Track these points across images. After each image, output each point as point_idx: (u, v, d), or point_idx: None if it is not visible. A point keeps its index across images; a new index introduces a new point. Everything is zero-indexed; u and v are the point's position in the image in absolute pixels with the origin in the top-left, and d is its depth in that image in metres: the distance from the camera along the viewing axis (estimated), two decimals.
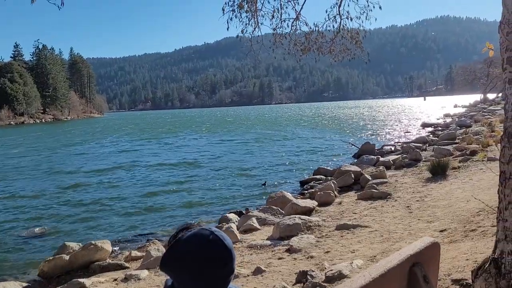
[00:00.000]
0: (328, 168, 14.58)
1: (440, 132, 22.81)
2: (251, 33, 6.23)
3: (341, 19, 6.17)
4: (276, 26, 6.27)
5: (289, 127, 44.46)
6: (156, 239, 8.40)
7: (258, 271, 5.09)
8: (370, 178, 10.56)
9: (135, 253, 7.26)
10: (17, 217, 10.76)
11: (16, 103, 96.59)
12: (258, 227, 7.84)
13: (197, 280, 1.22)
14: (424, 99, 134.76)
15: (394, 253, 2.05)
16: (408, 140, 21.32)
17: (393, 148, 18.49)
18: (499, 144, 2.87)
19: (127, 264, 6.71)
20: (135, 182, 15.20)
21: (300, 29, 6.38)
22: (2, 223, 10.14)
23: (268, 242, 6.58)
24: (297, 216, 7.27)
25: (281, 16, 6.14)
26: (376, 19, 6.09)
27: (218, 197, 12.22)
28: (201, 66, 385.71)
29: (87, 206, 11.66)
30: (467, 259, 3.99)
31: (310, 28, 6.43)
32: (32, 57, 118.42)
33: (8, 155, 26.87)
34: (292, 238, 6.31)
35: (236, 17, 5.94)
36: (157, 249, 6.71)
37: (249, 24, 6.08)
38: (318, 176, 13.68)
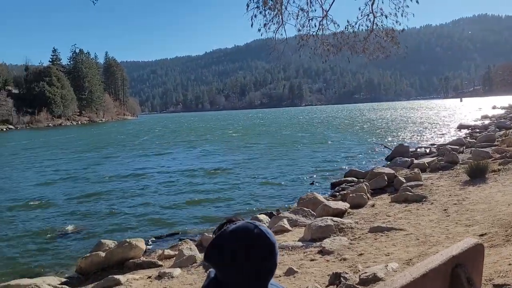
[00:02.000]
0: (360, 170, 14.36)
1: (478, 134, 22.04)
2: (275, 31, 6.19)
3: (374, 17, 6.04)
4: (303, 25, 6.19)
5: (320, 129, 44.12)
6: (188, 238, 8.50)
7: (290, 272, 5.05)
8: (404, 181, 10.33)
9: (167, 251, 7.36)
10: (56, 215, 11.13)
11: (54, 105, 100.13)
12: (289, 228, 7.80)
13: (241, 273, 1.22)
14: (461, 100, 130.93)
15: (435, 254, 1.98)
16: (444, 142, 20.72)
17: (428, 151, 18.00)
18: None
19: (160, 262, 6.82)
20: (168, 183, 15.31)
21: (328, 28, 6.28)
22: (42, 222, 10.51)
23: (300, 243, 6.53)
24: (329, 217, 7.18)
25: (308, 15, 6.06)
26: (413, 14, 5.92)
27: (248, 199, 12.25)
28: (231, 68, 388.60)
29: (121, 206, 11.92)
30: (509, 264, 3.83)
31: (338, 26, 6.32)
32: (69, 61, 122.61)
33: (45, 156, 27.88)
34: (325, 240, 6.24)
35: (260, 13, 5.91)
36: (189, 248, 6.78)
37: (273, 22, 6.04)
38: (349, 178, 13.50)
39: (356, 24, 6.19)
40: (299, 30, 6.34)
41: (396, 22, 5.94)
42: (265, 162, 19.70)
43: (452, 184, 9.51)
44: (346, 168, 15.84)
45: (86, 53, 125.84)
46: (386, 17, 5.95)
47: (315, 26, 6.26)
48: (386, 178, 10.80)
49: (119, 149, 30.60)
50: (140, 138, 42.66)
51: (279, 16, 6.10)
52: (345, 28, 6.24)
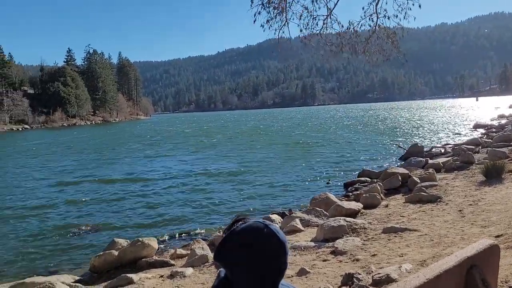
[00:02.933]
0: (374, 170, 14.25)
1: (494, 134, 21.70)
2: (278, 29, 6.16)
3: (377, 18, 5.97)
4: (307, 24, 6.15)
5: (333, 129, 43.91)
6: (200, 238, 8.53)
7: (302, 272, 5.03)
8: (418, 181, 10.21)
9: (180, 251, 7.39)
10: (70, 214, 11.28)
11: (69, 105, 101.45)
12: (302, 228, 7.76)
13: (251, 272, 1.21)
14: (476, 100, 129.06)
15: (449, 255, 1.95)
16: (459, 142, 20.44)
17: (443, 150, 17.77)
18: None
19: (172, 262, 6.85)
20: (181, 184, 15.34)
21: (332, 27, 6.23)
22: (56, 220, 10.65)
23: (312, 243, 6.50)
24: (341, 218, 7.13)
25: (311, 13, 6.01)
26: (415, 18, 5.85)
27: (261, 198, 12.25)
28: (244, 68, 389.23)
29: (135, 205, 12.02)
30: None
31: (342, 26, 6.27)
32: (84, 62, 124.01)
33: (59, 155, 28.25)
34: (337, 240, 6.19)
35: (264, 10, 5.89)
36: (201, 248, 6.79)
37: (276, 20, 6.01)
38: (363, 178, 13.40)
39: (358, 24, 6.13)
40: (301, 30, 6.31)
41: (398, 24, 5.87)
42: (278, 163, 19.66)
43: (467, 185, 9.36)
44: (360, 168, 15.71)
45: (100, 54, 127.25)
46: (389, 18, 5.88)
47: (318, 25, 6.22)
48: (400, 178, 10.69)
49: (132, 149, 30.85)
50: (153, 138, 42.97)
51: (282, 14, 6.07)
52: (347, 28, 6.18)
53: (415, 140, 24.88)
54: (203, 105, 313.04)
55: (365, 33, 6.81)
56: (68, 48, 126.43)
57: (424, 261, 4.79)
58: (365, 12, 6.45)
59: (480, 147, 16.95)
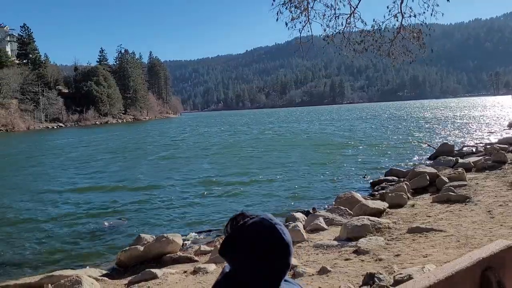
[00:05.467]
0: (401, 169, 14.00)
1: None
2: (301, 29, 6.11)
3: (402, 17, 5.81)
4: (329, 23, 6.07)
5: (361, 126, 43.33)
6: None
7: (323, 271, 5.01)
8: (447, 180, 9.96)
9: (204, 247, 7.47)
10: (99, 209, 11.58)
11: (101, 104, 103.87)
12: (325, 227, 7.71)
13: (254, 270, 1.23)
14: None
15: (463, 255, 1.91)
16: (492, 141, 19.79)
17: (474, 150, 17.24)
18: None
19: (196, 258, 6.93)
20: (208, 182, 15.43)
21: (355, 26, 6.13)
22: (85, 215, 10.96)
23: (335, 242, 6.45)
24: (365, 217, 7.04)
25: (335, 12, 5.93)
26: (443, 14, 5.67)
27: (286, 196, 12.23)
28: (272, 66, 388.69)
29: (161, 201, 12.24)
30: None
31: (366, 24, 6.15)
32: (115, 61, 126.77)
33: (92, 152, 29.04)
34: (360, 240, 6.12)
35: (286, 9, 5.85)
36: None
37: (299, 20, 5.97)
38: (390, 177, 13.19)
39: (383, 23, 5.99)
40: (324, 30, 6.22)
41: (424, 22, 5.69)
42: (305, 161, 19.55)
43: (498, 185, 9.07)
44: (388, 167, 15.46)
45: (131, 53, 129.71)
46: (415, 16, 5.71)
47: (342, 24, 6.12)
48: (428, 177, 10.44)
49: (161, 147, 31.37)
50: (183, 135, 43.58)
51: (305, 14, 6.03)
52: (372, 27, 6.05)
53: (445, 139, 24.25)
54: (231, 103, 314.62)
55: (389, 34, 6.68)
56: (101, 48, 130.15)
57: (449, 262, 4.68)
58: (390, 11, 6.31)
59: None
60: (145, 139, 40.33)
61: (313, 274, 5.01)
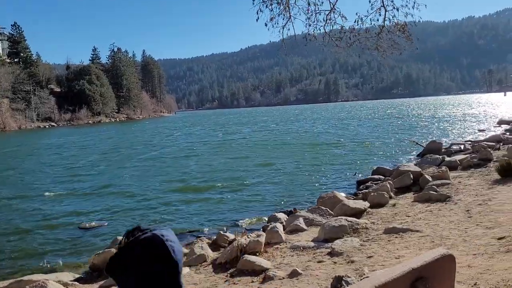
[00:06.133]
0: (388, 168, 13.96)
1: None
2: (283, 26, 6.00)
3: (386, 11, 5.73)
4: (309, 19, 5.96)
5: (353, 125, 43.35)
6: (206, 236, 8.51)
7: (294, 274, 4.93)
8: (430, 179, 9.91)
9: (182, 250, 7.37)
10: (79, 212, 11.38)
11: (94, 103, 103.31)
12: (305, 227, 7.62)
13: None
14: (504, 95, 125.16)
15: (398, 264, 1.82)
16: (481, 139, 19.80)
17: (462, 147, 17.22)
18: None
19: None
20: (192, 181, 15.33)
21: (335, 22, 6.03)
22: (65, 218, 10.78)
23: (312, 243, 6.37)
24: (343, 217, 6.97)
25: (316, 8, 5.82)
26: (426, 5, 5.59)
27: (271, 196, 12.15)
28: (266, 64, 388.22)
29: (143, 202, 12.11)
30: None
31: (346, 19, 6.05)
32: (108, 60, 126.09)
33: (78, 151, 28.81)
34: (336, 241, 6.05)
35: (266, 7, 5.74)
36: (201, 247, 6.76)
37: (280, 17, 5.86)
38: (376, 176, 13.14)
39: (367, 18, 5.90)
40: (309, 25, 6.11)
41: (408, 14, 5.61)
42: (294, 160, 19.47)
43: (480, 183, 9.02)
44: (376, 165, 15.40)
45: (124, 52, 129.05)
46: (398, 9, 5.63)
47: (323, 20, 6.01)
48: (411, 176, 10.38)
49: (150, 148, 31.19)
50: (174, 134, 43.40)
51: (286, 11, 5.91)
52: (355, 22, 5.95)
53: (435, 137, 24.27)
54: (226, 102, 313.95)
55: (375, 28, 6.59)
56: (94, 47, 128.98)
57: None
58: (372, 5, 6.22)
59: (501, 144, 16.33)
60: (135, 139, 40.11)
61: (283, 278, 4.92)
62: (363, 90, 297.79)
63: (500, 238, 5.03)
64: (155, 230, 1.23)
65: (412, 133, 28.82)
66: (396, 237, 5.95)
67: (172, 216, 10.46)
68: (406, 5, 5.55)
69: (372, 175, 13.67)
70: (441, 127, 33.04)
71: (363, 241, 6.04)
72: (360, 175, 14.32)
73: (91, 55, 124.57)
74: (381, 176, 12.96)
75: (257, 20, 5.77)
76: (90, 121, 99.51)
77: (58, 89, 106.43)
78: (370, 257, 5.24)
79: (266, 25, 5.91)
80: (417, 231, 6.08)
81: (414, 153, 18.70)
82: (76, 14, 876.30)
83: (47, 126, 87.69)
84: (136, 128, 64.32)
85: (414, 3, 5.48)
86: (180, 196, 12.78)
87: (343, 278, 4.33)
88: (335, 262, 5.27)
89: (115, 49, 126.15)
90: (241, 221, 9.77)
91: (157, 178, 16.21)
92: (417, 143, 19.82)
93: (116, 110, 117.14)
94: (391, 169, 13.47)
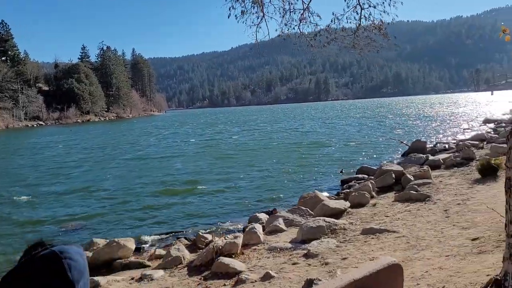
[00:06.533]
0: (372, 167, 13.95)
1: (502, 129, 21.07)
2: (256, 25, 5.91)
3: (362, 9, 5.66)
4: (283, 17, 5.88)
5: (340, 124, 43.46)
6: (185, 237, 8.41)
7: (266, 277, 4.85)
8: (412, 179, 9.91)
9: (159, 251, 7.27)
10: (57, 213, 11.15)
11: (82, 102, 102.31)
12: (284, 228, 7.56)
13: None
14: (492, 94, 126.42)
15: (339, 275, 1.75)
16: (465, 138, 19.92)
17: (447, 146, 17.32)
18: None
19: (148, 263, 6.71)
20: (174, 182, 15.09)
21: (310, 22, 5.96)
22: (42, 220, 10.55)
23: (289, 245, 6.30)
24: (321, 218, 6.92)
25: (290, 6, 5.74)
26: (402, 2, 5.53)
27: (255, 196, 12.10)
28: (257, 63, 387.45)
29: (125, 204, 11.93)
30: (487, 275, 3.50)
31: (320, 19, 5.98)
32: (97, 58, 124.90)
33: (61, 152, 28.46)
34: (312, 242, 6.00)
35: (239, 4, 5.64)
36: (177, 249, 6.65)
37: (252, 13, 5.76)
38: (360, 175, 13.15)
39: (343, 16, 5.82)
40: (284, 24, 6.02)
41: (384, 12, 5.54)
42: (281, 160, 19.41)
43: (461, 183, 9.04)
44: (361, 164, 15.40)
45: (113, 50, 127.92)
46: (374, 7, 5.55)
47: (298, 20, 5.93)
48: (393, 176, 10.37)
49: (136, 147, 30.94)
50: (161, 134, 43.12)
51: (258, 8, 5.81)
52: (331, 21, 5.87)
53: (422, 135, 24.39)
54: (216, 101, 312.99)
55: (352, 26, 6.53)
56: (83, 45, 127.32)
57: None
58: (347, 3, 6.15)
59: (485, 143, 16.43)
60: (122, 138, 39.77)
61: (255, 281, 4.85)
62: (353, 89, 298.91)
63: (474, 239, 5.01)
64: (55, 247, 1.14)
65: (399, 132, 28.96)
66: (372, 238, 5.91)
67: (154, 217, 10.32)
68: (383, 3, 5.48)
69: (356, 174, 13.69)
70: (428, 126, 33.24)
71: (340, 242, 5.99)
72: (342, 174, 14.31)
73: (80, 54, 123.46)
74: (365, 175, 12.97)
75: (228, 17, 5.67)
76: (79, 120, 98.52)
77: (46, 88, 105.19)
78: (344, 258, 5.19)
79: (236, 17, 5.78)
80: (394, 231, 6.05)
81: (400, 152, 18.75)
82: (65, 12, 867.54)
83: (35, 125, 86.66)
84: (124, 127, 63.82)
85: (391, 0, 5.42)
86: (163, 196, 12.64)
87: (314, 281, 4.27)
88: (309, 264, 5.20)
89: (104, 48, 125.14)
90: (223, 221, 9.69)
91: (141, 179, 15.99)
92: (402, 142, 19.88)
93: (106, 109, 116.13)
94: (375, 168, 13.46)
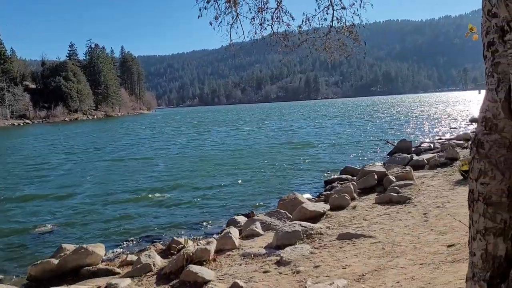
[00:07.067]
0: (357, 167, 13.81)
1: None
2: (231, 24, 5.69)
3: (333, 10, 5.46)
4: (253, 18, 5.66)
5: (328, 124, 43.40)
6: (161, 242, 8.15)
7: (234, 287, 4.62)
8: (394, 180, 9.74)
9: (130, 257, 7.00)
10: (29, 217, 10.79)
11: (70, 100, 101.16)
12: (261, 232, 7.34)
13: None
14: (479, 92, 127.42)
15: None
16: (451, 137, 19.90)
17: (432, 146, 17.25)
18: None
19: (118, 270, 6.45)
20: (154, 185, 14.53)
21: (282, 21, 5.75)
22: (12, 224, 10.19)
23: (264, 251, 6.07)
24: (298, 222, 6.70)
25: (263, 7, 5.51)
26: (372, 5, 5.35)
27: (235, 198, 11.89)
28: (247, 62, 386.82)
29: (101, 208, 11.60)
30: (459, 287, 3.32)
31: (293, 19, 5.78)
32: (85, 56, 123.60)
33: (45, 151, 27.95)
34: (286, 248, 5.78)
35: (211, 5, 5.40)
36: (148, 255, 6.39)
37: (227, 15, 5.54)
38: (344, 176, 12.97)
39: (314, 17, 5.61)
40: (259, 24, 5.80)
41: (355, 14, 5.35)
42: (266, 160, 19.22)
43: (442, 184, 8.90)
44: (346, 164, 15.23)
45: (101, 48, 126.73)
46: (345, 8, 5.36)
47: (271, 19, 5.71)
48: (376, 177, 10.19)
49: (121, 147, 30.53)
50: (148, 133, 42.66)
51: (232, 8, 5.58)
52: (302, 22, 5.66)
53: (408, 134, 24.37)
54: (207, 99, 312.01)
55: (323, 28, 6.34)
56: (71, 43, 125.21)
57: (363, 275, 4.38)
58: (318, 4, 5.94)
59: (470, 142, 16.33)
60: (108, 137, 39.26)
61: None
62: (343, 87, 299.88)
63: (449, 246, 4.84)
64: None
65: (386, 131, 28.94)
66: (348, 244, 5.72)
67: (129, 221, 10.02)
68: (354, 4, 5.28)
69: (340, 174, 13.51)
70: (415, 125, 33.31)
71: (315, 248, 5.78)
72: (327, 175, 14.15)
73: (68, 51, 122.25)
74: (348, 176, 12.80)
75: (198, 17, 5.44)
76: (66, 119, 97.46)
77: (33, 86, 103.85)
78: (317, 266, 4.99)
79: (211, 24, 5.56)
80: (371, 236, 5.86)
81: (386, 151, 18.66)
82: (53, 9, 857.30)
83: (21, 124, 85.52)
84: (112, 126, 63.14)
85: (361, 1, 5.22)
86: (141, 200, 12.26)
87: None
88: (280, 273, 4.99)
89: (93, 45, 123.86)
90: (201, 225, 9.46)
91: (119, 182, 15.50)
92: (387, 142, 19.80)
93: (94, 108, 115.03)
94: (359, 168, 13.31)
